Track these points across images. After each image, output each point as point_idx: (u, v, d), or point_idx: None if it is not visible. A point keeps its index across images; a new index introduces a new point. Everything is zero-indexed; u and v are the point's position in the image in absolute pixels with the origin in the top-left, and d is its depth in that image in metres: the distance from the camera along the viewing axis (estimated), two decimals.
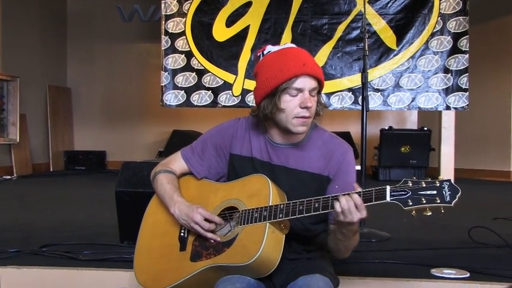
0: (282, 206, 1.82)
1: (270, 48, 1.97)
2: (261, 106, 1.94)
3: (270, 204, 1.84)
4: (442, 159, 7.01)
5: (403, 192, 1.67)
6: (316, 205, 1.78)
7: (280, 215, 1.81)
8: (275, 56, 1.93)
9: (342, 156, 1.98)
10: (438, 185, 1.64)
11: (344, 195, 1.74)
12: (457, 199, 1.61)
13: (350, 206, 1.70)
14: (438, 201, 1.62)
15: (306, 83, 1.86)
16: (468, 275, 2.54)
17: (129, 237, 3.02)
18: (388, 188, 1.69)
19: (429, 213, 1.64)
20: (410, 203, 1.65)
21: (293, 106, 1.88)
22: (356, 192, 1.73)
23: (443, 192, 1.62)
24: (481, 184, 7.45)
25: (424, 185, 1.65)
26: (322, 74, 1.91)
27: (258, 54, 2.02)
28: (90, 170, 9.21)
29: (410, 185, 1.67)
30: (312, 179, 1.96)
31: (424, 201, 1.63)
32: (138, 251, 2.09)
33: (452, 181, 1.66)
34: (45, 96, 9.20)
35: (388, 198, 1.68)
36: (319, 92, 1.94)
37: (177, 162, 2.15)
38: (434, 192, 1.63)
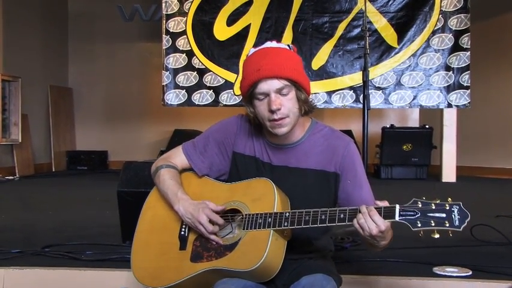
0: (288, 214, 1.80)
1: (251, 51, 1.95)
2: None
3: (275, 210, 1.82)
4: (444, 157, 7.03)
5: (412, 213, 1.66)
6: (323, 217, 1.76)
7: (285, 224, 1.79)
8: (246, 61, 1.93)
9: (345, 149, 1.95)
10: (448, 208, 1.63)
11: (356, 208, 1.73)
12: (465, 224, 1.61)
13: (366, 219, 1.69)
14: (447, 225, 1.62)
15: (268, 86, 1.83)
16: (470, 273, 2.54)
17: (131, 237, 3.01)
18: (397, 207, 1.68)
19: (437, 236, 1.64)
20: (419, 225, 1.64)
21: (263, 110, 1.87)
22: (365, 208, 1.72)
23: (453, 216, 1.62)
24: (483, 182, 7.44)
25: (434, 207, 1.65)
26: (288, 71, 1.83)
27: None
28: (92, 170, 9.22)
29: (420, 205, 1.66)
30: (316, 176, 1.94)
31: (433, 224, 1.63)
32: (136, 245, 2.06)
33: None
34: (46, 96, 9.20)
35: (397, 218, 1.67)
36: (299, 88, 1.88)
37: (179, 157, 2.13)
38: (444, 215, 1.63)
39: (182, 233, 1.98)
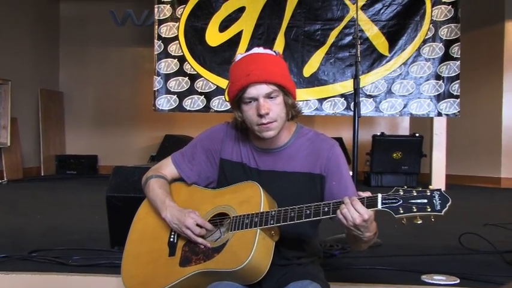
0: (274, 212, 1.82)
1: (238, 56, 1.98)
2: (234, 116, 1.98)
3: (261, 210, 1.84)
4: (434, 165, 7.06)
5: (394, 200, 1.67)
6: (308, 212, 1.77)
7: (272, 222, 1.81)
8: (234, 66, 1.96)
9: (330, 151, 1.97)
10: (429, 193, 1.65)
11: (339, 201, 1.74)
12: (447, 208, 1.62)
13: (349, 209, 1.70)
14: (429, 209, 1.63)
15: (256, 90, 1.86)
16: (458, 281, 2.54)
17: (120, 243, 2.98)
18: (379, 195, 1.70)
19: (420, 222, 1.65)
20: (401, 211, 1.65)
21: (252, 115, 1.89)
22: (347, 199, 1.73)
23: (434, 201, 1.63)
24: (472, 190, 7.49)
25: (415, 194, 1.66)
26: (277, 77, 1.87)
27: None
28: (82, 175, 9.18)
29: (402, 193, 1.68)
30: (303, 179, 1.96)
31: (415, 210, 1.64)
32: (126, 255, 2.07)
33: (443, 188, 1.67)
34: (37, 99, 9.16)
35: (379, 206, 1.69)
36: (286, 93, 1.91)
37: (168, 167, 2.16)
38: (425, 201, 1.64)
39: (171, 239, 1.99)
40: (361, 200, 1.71)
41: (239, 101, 1.91)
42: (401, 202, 1.66)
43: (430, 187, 1.68)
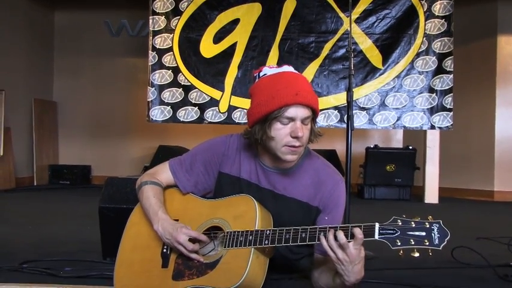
0: (269, 232, 1.79)
1: (266, 71, 1.91)
2: (252, 130, 1.90)
3: (256, 227, 1.81)
4: (427, 178, 7.08)
5: (392, 231, 1.63)
6: (303, 235, 1.74)
7: (266, 241, 1.78)
8: (270, 80, 1.88)
9: (333, 188, 1.94)
10: (428, 226, 1.61)
11: (331, 230, 1.71)
12: (445, 243, 1.59)
13: (329, 239, 1.68)
14: (427, 243, 1.59)
15: (298, 112, 1.81)
16: None
17: (112, 254, 2.96)
18: (377, 225, 1.66)
19: (417, 254, 1.61)
20: (399, 243, 1.62)
21: (284, 134, 1.82)
22: (343, 227, 1.69)
23: (433, 234, 1.60)
24: (465, 203, 7.49)
25: (414, 225, 1.62)
26: (316, 103, 1.85)
27: (255, 74, 1.97)
28: (75, 185, 9.13)
29: (400, 224, 1.64)
30: (299, 207, 1.94)
31: (413, 243, 1.60)
32: (119, 263, 2.04)
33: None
34: (30, 109, 9.13)
35: (376, 236, 1.65)
36: (314, 120, 1.89)
37: (164, 173, 2.11)
38: (424, 233, 1.60)
39: (164, 250, 1.96)
40: (358, 227, 1.67)
41: (272, 118, 1.83)
42: (399, 233, 1.62)
43: (430, 218, 1.63)
